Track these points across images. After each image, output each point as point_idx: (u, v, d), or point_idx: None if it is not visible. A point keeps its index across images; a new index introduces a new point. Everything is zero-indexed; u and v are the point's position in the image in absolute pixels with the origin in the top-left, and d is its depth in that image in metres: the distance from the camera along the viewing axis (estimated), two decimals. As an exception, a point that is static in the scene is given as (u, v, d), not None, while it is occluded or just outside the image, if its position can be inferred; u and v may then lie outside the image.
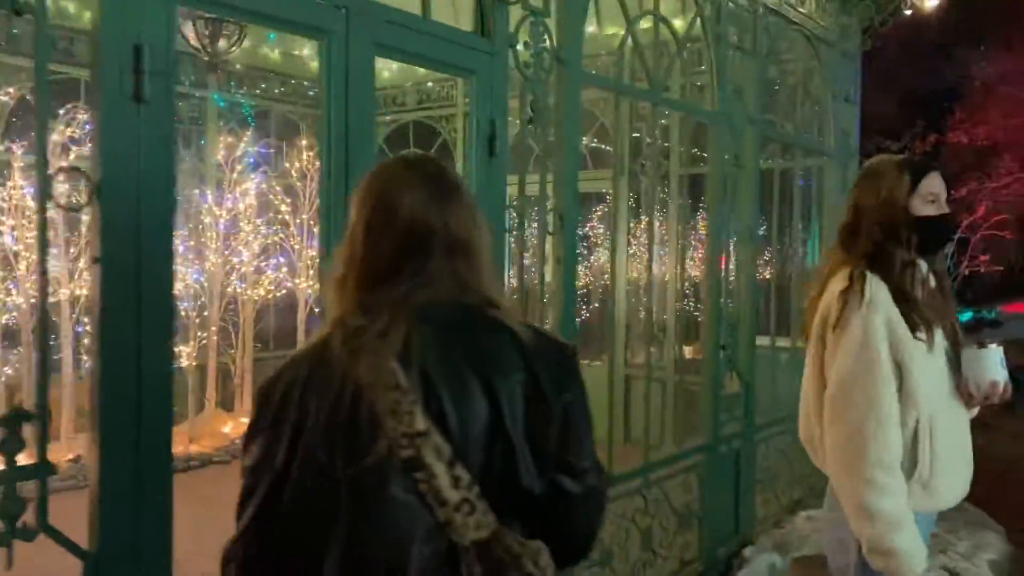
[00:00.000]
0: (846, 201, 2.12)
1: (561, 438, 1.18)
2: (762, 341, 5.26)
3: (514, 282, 3.05)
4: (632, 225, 7.28)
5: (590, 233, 8.64)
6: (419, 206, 1.21)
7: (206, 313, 6.57)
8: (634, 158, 6.34)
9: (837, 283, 1.97)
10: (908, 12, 5.86)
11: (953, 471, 2.00)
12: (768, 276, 5.79)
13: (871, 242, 1.98)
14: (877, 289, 1.91)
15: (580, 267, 8.23)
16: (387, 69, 7.98)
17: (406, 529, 1.10)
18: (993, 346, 2.04)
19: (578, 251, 8.17)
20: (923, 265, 2.01)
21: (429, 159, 1.34)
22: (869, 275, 1.92)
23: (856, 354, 1.88)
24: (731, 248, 4.54)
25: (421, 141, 7.86)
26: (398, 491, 1.10)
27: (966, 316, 13.98)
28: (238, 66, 7.20)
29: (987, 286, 16.93)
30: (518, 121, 3.05)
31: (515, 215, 3.03)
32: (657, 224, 6.50)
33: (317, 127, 2.42)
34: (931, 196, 2.00)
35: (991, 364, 2.02)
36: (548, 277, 3.24)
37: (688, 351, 6.72)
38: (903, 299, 1.92)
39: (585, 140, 7.15)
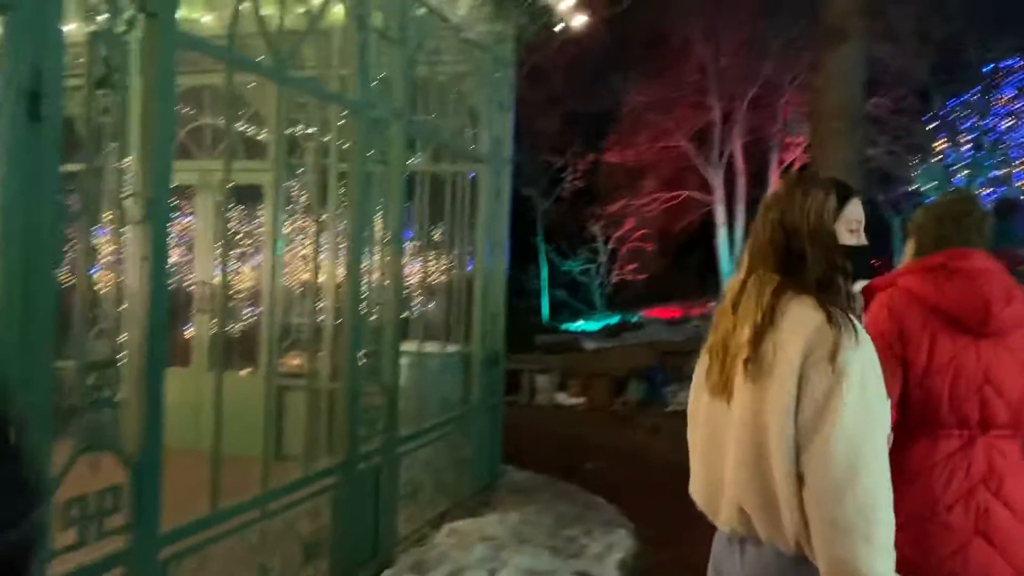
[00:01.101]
0: (766, 216, 1.77)
1: None
2: (429, 347, 5.10)
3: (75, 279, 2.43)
4: (301, 223, 6.81)
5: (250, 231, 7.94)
6: None
7: None
8: (294, 151, 5.89)
9: (806, 312, 1.64)
10: (561, 27, 6.02)
11: None
12: (422, 280, 5.64)
13: (821, 269, 1.70)
14: (858, 324, 1.65)
15: (247, 267, 7.60)
16: None
17: None
18: None
19: (244, 250, 7.62)
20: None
21: None
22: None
23: (858, 402, 1.58)
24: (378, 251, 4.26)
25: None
26: None
27: (615, 319, 15.37)
28: None
29: (633, 293, 18.81)
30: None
31: (81, 199, 2.42)
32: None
33: None
34: (855, 224, 1.77)
35: None
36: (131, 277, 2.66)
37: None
38: None
39: (240, 127, 6.55)
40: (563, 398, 10.52)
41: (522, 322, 14.81)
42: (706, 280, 18.63)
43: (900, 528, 1.73)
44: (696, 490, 1.84)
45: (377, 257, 4.28)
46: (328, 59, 4.45)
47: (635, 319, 14.75)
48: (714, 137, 18.44)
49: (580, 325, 15.91)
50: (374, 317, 4.24)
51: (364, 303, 4.11)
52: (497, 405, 5.97)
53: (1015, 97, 15.58)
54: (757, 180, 18.84)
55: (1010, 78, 15.67)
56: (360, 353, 4.08)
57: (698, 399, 1.84)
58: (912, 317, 2.37)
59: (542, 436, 8.49)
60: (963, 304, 2.36)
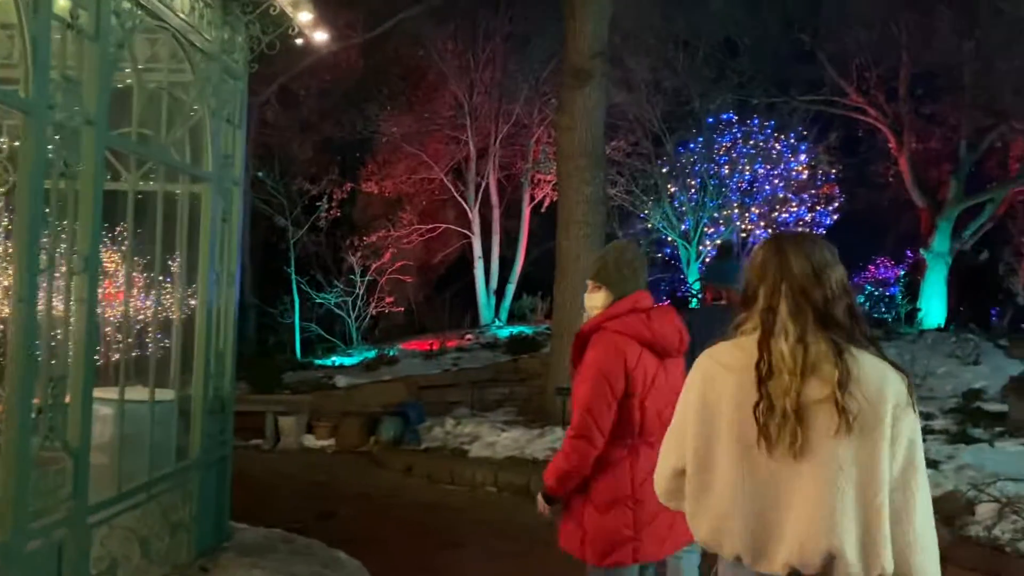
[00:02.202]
0: (828, 277, 1.91)
1: None
2: (135, 394, 4.39)
3: None
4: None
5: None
6: None
7: None
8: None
9: (879, 365, 1.86)
10: (300, 41, 5.59)
11: None
12: (131, 314, 4.91)
13: (864, 322, 1.94)
14: None
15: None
16: None
17: None
18: None
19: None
20: None
21: None
22: None
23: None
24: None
25: None
26: None
27: (371, 354, 14.89)
28: None
29: (391, 325, 18.45)
30: None
31: None
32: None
33: None
34: None
35: None
36: None
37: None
38: None
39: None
40: (311, 440, 9.87)
41: (271, 359, 13.89)
42: (464, 312, 18.74)
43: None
44: (730, 539, 1.90)
45: (64, 287, 3.58)
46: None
47: (392, 353, 14.34)
48: (470, 171, 18.71)
49: (335, 360, 15.23)
50: (55, 360, 3.52)
51: (41, 343, 3.39)
52: (226, 456, 5.31)
53: (732, 146, 17.34)
54: (511, 214, 19.36)
55: (727, 129, 17.46)
56: (34, 405, 3.34)
57: (715, 455, 1.91)
58: (631, 351, 2.96)
59: (285, 485, 7.84)
60: (667, 335, 3.04)
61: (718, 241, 17.41)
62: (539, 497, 3.07)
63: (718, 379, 1.93)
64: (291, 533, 5.69)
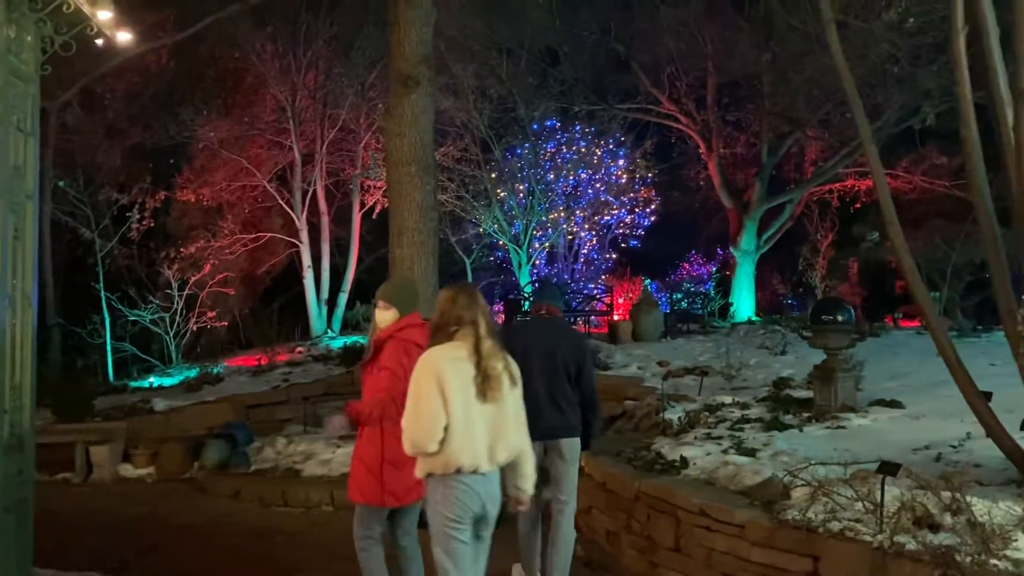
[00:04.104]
0: (481, 302, 3.71)
1: None
2: None
3: None
4: None
5: None
6: None
7: None
8: None
9: None
10: (99, 41, 5.15)
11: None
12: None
13: None
14: None
15: None
16: None
17: None
18: None
19: None
20: None
21: None
22: None
23: None
24: None
25: None
26: None
27: (193, 372, 14.05)
28: None
29: (215, 341, 17.49)
30: None
31: None
32: None
33: None
34: None
35: None
36: None
37: None
38: None
39: None
40: (129, 470, 9.15)
41: (80, 384, 12.75)
42: (294, 324, 18.06)
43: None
44: (475, 455, 3.46)
45: None
46: None
47: (216, 371, 13.58)
48: (295, 178, 18.10)
49: (153, 382, 14.23)
50: None
51: None
52: (26, 497, 4.79)
53: (556, 152, 17.85)
54: (341, 221, 18.91)
55: (552, 136, 17.96)
56: None
57: (469, 409, 3.47)
58: (412, 352, 4.06)
59: (99, 521, 7.22)
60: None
61: (547, 244, 17.86)
62: (343, 418, 4.29)
63: (453, 365, 3.46)
64: (107, 575, 5.24)
